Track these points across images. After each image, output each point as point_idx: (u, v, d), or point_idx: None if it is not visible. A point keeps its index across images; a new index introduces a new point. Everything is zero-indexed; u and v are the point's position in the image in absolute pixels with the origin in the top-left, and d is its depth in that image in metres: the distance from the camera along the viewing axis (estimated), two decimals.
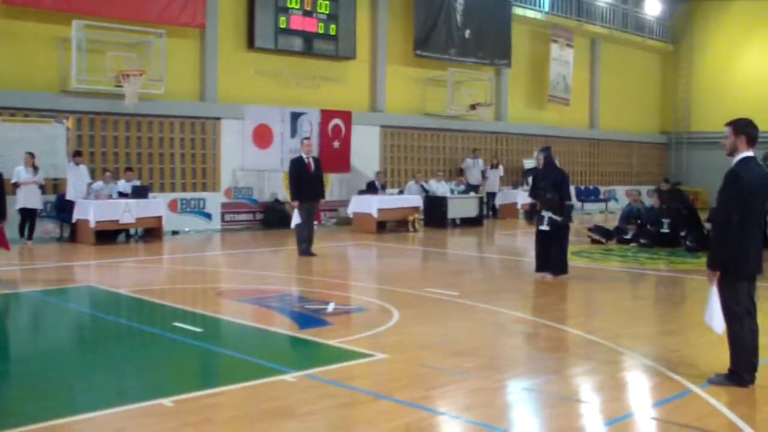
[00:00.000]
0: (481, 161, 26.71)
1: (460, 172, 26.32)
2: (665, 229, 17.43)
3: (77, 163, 17.78)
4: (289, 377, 6.66)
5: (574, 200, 27.02)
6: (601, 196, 32.50)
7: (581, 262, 14.59)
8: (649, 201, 19.22)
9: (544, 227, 12.72)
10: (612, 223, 20.79)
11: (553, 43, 30.48)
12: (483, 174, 26.72)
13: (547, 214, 12.68)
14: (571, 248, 15.98)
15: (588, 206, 31.44)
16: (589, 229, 18.97)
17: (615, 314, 10.10)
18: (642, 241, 17.57)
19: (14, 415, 5.72)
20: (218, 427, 5.44)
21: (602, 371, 7.09)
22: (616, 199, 32.84)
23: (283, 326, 9.11)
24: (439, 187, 23.52)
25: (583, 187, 31.99)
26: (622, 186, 33.77)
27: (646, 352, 7.78)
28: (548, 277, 12.64)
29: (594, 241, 18.26)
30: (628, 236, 18.06)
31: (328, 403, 6.00)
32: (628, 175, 35.10)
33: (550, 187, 12.72)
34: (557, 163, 13.86)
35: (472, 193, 24.15)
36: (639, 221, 18.32)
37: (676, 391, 6.46)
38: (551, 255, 12.72)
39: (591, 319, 10.10)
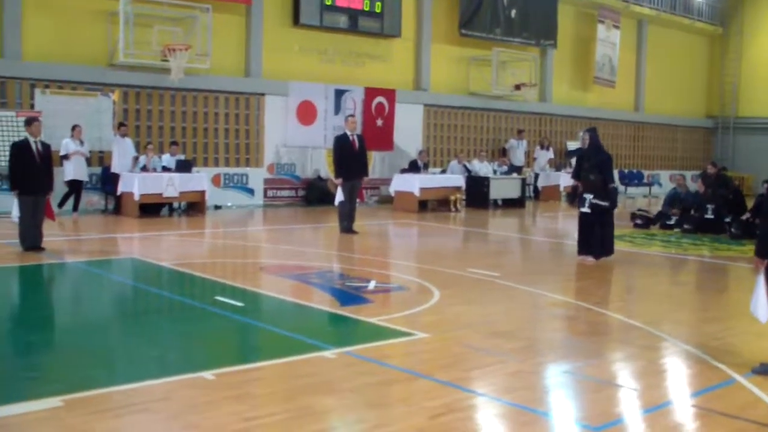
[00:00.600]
0: (525, 142, 26.57)
1: (504, 152, 26.20)
2: (709, 215, 17.18)
3: (122, 135, 17.93)
4: (329, 354, 6.70)
5: (616, 183, 26.92)
6: (645, 180, 32.18)
7: (623, 246, 14.46)
8: (694, 186, 18.96)
9: (585, 209, 12.60)
10: (655, 207, 20.57)
11: (599, 24, 30.11)
12: (527, 155, 26.64)
13: (588, 196, 12.56)
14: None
15: (631, 190, 31.14)
16: (633, 214, 18.77)
17: (656, 299, 9.99)
18: (686, 226, 17.35)
19: (58, 383, 5.83)
20: (257, 401, 5.48)
21: (643, 357, 7.02)
22: (659, 184, 32.53)
23: (323, 303, 9.14)
24: (482, 168, 23.40)
25: (626, 171, 31.71)
26: (666, 170, 33.49)
27: (687, 339, 7.69)
28: (589, 259, 12.55)
29: (637, 225, 18.08)
30: (672, 221, 17.86)
31: (367, 381, 6.02)
32: (672, 160, 34.70)
33: (594, 168, 12.56)
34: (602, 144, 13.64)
35: (514, 174, 24.01)
36: (683, 206, 18.09)
37: (718, 380, 6.38)
38: (593, 238, 12.62)
39: (632, 303, 10.03)
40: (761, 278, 6.46)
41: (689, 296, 10.76)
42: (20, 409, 5.18)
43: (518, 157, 26.06)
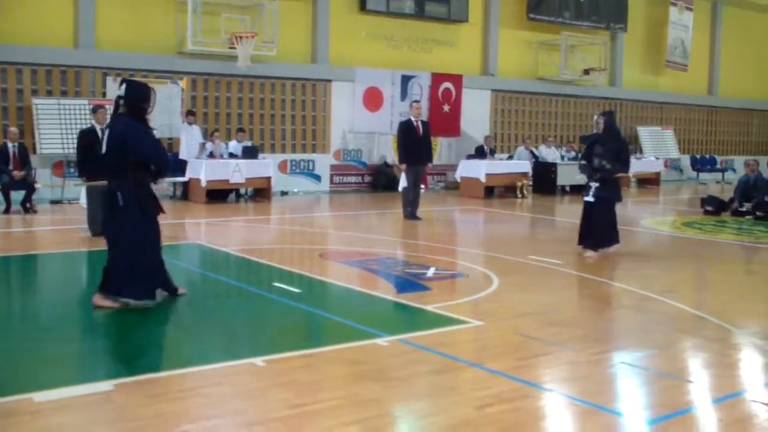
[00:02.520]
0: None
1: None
2: None
3: (190, 123, 18.17)
4: (382, 341, 6.65)
5: (690, 170, 26.35)
6: (718, 166, 31.39)
7: (692, 234, 14.12)
8: None
9: (589, 198, 11.71)
10: (728, 194, 20.04)
11: (671, 6, 29.45)
12: None
13: (594, 185, 11.67)
14: (682, 219, 15.56)
15: (704, 176, 30.44)
16: (703, 200, 18.31)
17: (724, 289, 9.73)
18: (758, 213, 16.84)
19: (111, 367, 5.94)
20: (305, 388, 5.46)
21: (708, 348, 6.81)
22: (733, 170, 31.69)
23: (381, 290, 9.09)
24: (550, 153, 23.12)
25: (698, 156, 31.01)
26: (740, 156, 32.57)
27: (756, 330, 7.45)
28: (590, 253, 11.56)
29: (707, 212, 17.65)
30: (744, 208, 17.37)
31: (418, 369, 5.95)
32: (747, 145, 33.78)
33: (609, 155, 11.59)
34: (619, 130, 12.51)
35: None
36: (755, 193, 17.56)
37: None
38: (593, 229, 11.66)
39: (698, 293, 9.79)
40: None
41: (759, 285, 10.37)
42: (74, 392, 5.25)
43: None
